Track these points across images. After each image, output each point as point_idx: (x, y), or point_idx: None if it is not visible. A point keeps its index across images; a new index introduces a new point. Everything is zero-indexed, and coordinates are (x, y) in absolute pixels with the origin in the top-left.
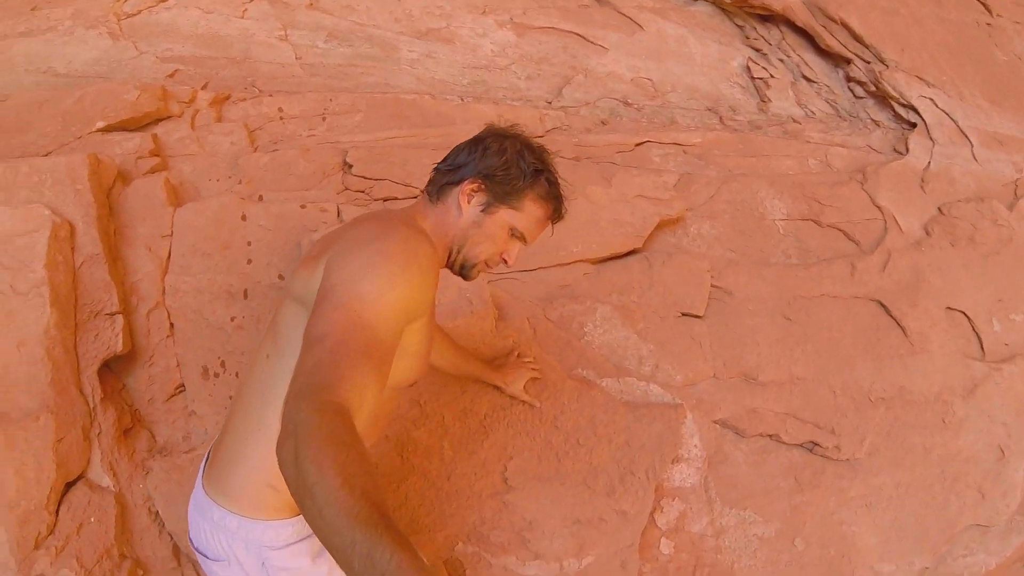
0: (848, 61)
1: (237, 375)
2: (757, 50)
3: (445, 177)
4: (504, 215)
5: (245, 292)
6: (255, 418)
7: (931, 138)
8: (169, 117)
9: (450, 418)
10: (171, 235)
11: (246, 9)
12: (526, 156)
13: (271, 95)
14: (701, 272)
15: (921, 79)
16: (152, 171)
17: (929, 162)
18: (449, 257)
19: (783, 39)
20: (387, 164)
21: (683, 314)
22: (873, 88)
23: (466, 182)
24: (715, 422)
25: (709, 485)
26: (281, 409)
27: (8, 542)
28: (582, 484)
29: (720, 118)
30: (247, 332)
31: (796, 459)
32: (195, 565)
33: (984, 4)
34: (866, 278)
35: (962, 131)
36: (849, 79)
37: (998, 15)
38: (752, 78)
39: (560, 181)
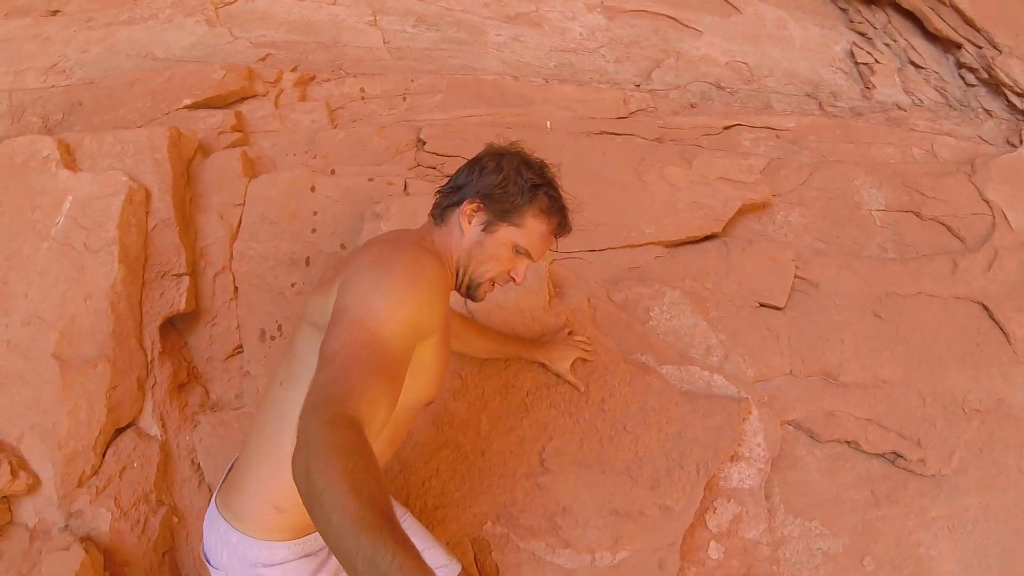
0: (959, 46)
1: None
2: (861, 34)
3: (446, 199)
4: (505, 233)
5: (307, 260)
6: (268, 443)
7: None
8: (254, 96)
9: (490, 392)
10: (243, 204)
11: None
12: (524, 172)
13: (355, 76)
14: (784, 261)
15: None
16: (232, 145)
17: None
18: (456, 278)
19: (889, 22)
20: (460, 141)
21: (761, 304)
22: (985, 75)
23: (466, 202)
24: (787, 422)
25: (773, 490)
26: (295, 432)
27: (53, 478)
28: (624, 473)
29: (819, 104)
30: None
31: (875, 470)
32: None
33: None
34: (969, 277)
35: None
36: (960, 65)
37: None
38: (856, 63)
39: (563, 194)
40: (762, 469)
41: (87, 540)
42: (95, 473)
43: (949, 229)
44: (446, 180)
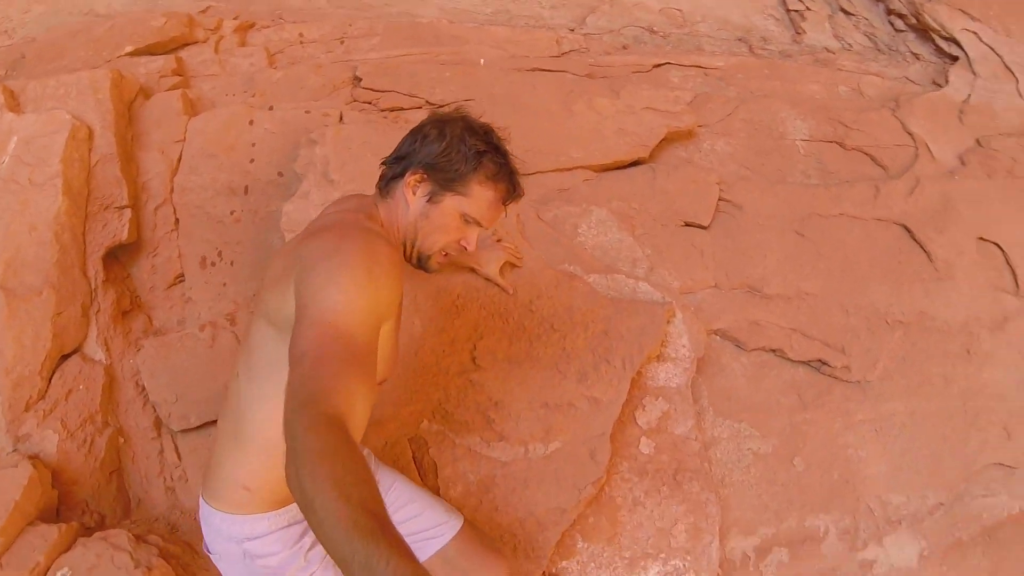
0: None
1: (232, 264)
2: None
3: (391, 171)
4: (451, 203)
5: (246, 188)
6: (231, 431)
7: (973, 72)
8: (195, 43)
9: (423, 296)
10: (183, 140)
11: None
12: (467, 139)
13: (293, 22)
14: (709, 184)
15: (965, 12)
16: (173, 88)
17: (969, 95)
18: (405, 251)
19: None
20: (395, 77)
21: (686, 224)
22: (914, 21)
23: (408, 173)
24: (713, 332)
25: (701, 394)
26: (254, 424)
27: (0, 403)
28: (553, 368)
29: (750, 47)
30: (244, 224)
31: (800, 376)
32: (173, 438)
33: None
34: (890, 202)
35: (1007, 66)
36: (890, 12)
37: None
38: (788, 10)
39: (510, 159)
40: (688, 368)
41: (35, 458)
42: (41, 397)
43: (872, 158)
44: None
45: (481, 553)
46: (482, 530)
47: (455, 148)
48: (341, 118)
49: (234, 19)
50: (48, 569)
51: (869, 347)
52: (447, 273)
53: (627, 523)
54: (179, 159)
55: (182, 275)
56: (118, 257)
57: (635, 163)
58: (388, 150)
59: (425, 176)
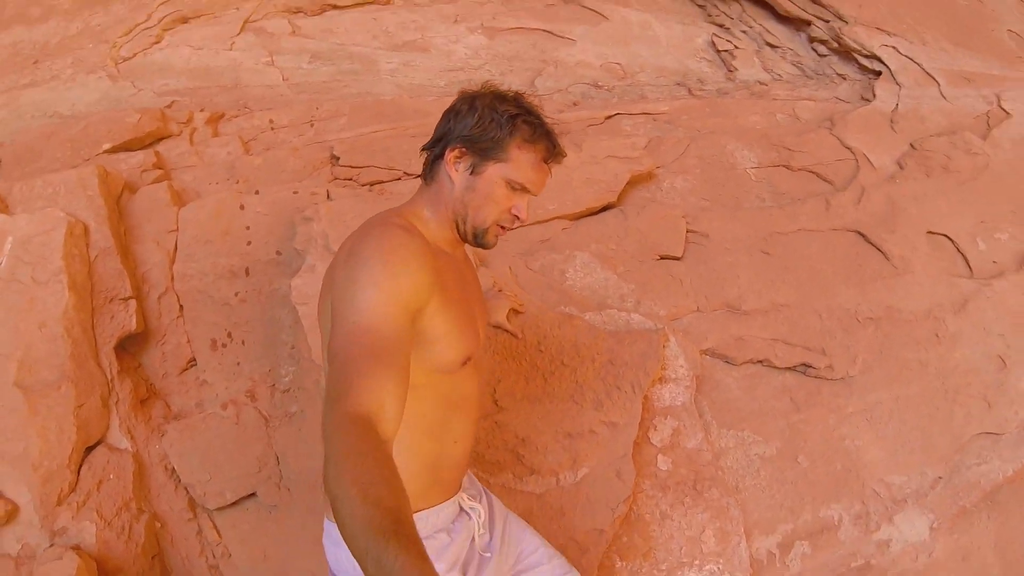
0: (808, 23)
1: (243, 343)
2: (720, 25)
3: (431, 154)
4: (494, 170)
5: (247, 270)
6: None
7: (897, 83)
8: (169, 136)
9: None
10: (176, 230)
11: (233, 42)
12: (498, 106)
13: (261, 110)
14: (675, 219)
15: (881, 30)
16: (156, 181)
17: (897, 104)
18: (459, 230)
19: (744, 11)
20: (371, 153)
21: (661, 257)
22: (835, 45)
23: (447, 151)
24: (703, 352)
25: (703, 410)
26: None
27: (32, 500)
28: (569, 400)
29: (689, 90)
30: (250, 304)
31: (789, 381)
32: (210, 516)
33: None
34: (841, 212)
35: (928, 73)
36: (812, 40)
37: None
38: (718, 51)
39: (545, 120)
40: (689, 386)
41: (76, 549)
42: (73, 490)
43: (818, 175)
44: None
45: None
46: None
47: (488, 117)
48: (328, 195)
49: (201, 111)
50: None
51: (846, 345)
52: None
53: (659, 537)
54: (175, 248)
55: (193, 360)
56: (127, 348)
57: (606, 208)
58: None
59: (464, 149)
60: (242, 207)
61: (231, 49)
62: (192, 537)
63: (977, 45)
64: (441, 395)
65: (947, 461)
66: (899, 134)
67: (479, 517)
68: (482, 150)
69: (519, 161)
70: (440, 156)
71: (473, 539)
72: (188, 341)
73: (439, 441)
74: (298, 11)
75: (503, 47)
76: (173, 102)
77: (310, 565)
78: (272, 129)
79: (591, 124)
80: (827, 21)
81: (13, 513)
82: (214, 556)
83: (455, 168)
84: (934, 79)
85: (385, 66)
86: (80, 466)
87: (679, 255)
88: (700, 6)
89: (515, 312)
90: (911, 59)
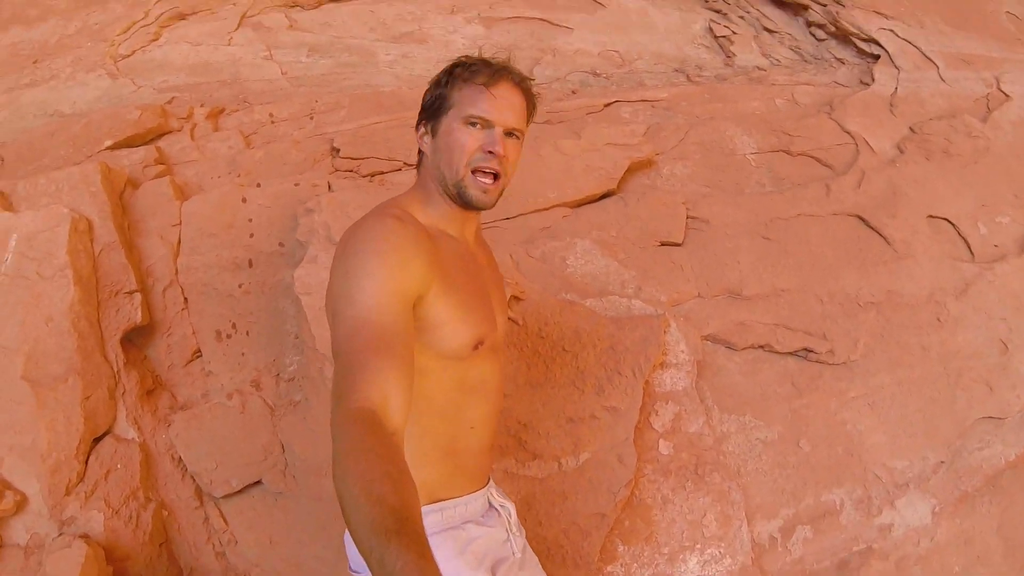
0: (806, 7)
1: (248, 334)
2: (717, 11)
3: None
4: (446, 121)
5: (250, 261)
6: None
7: (896, 66)
8: (170, 132)
9: None
10: (180, 224)
11: (231, 37)
12: (442, 73)
13: (260, 104)
14: (676, 205)
15: (879, 13)
16: (158, 176)
17: (896, 88)
18: (449, 196)
19: None
20: (371, 144)
21: (662, 243)
22: (833, 29)
23: (416, 132)
24: (705, 338)
25: (705, 395)
26: None
27: (41, 491)
28: (571, 386)
29: (687, 76)
30: (254, 296)
31: (791, 366)
32: (217, 504)
33: None
34: (842, 196)
35: (926, 56)
36: (809, 24)
37: None
38: (716, 37)
39: (485, 56)
40: (690, 371)
41: (85, 537)
42: (81, 480)
43: (818, 160)
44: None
45: None
46: None
47: (432, 84)
48: (330, 187)
49: (201, 106)
50: None
51: (848, 330)
52: None
53: (660, 521)
54: (179, 242)
55: (199, 351)
56: (133, 340)
57: (606, 195)
58: None
59: (423, 121)
60: (244, 200)
61: (229, 44)
62: (199, 525)
63: (975, 27)
64: (453, 380)
65: (949, 445)
66: (899, 118)
67: (510, 516)
68: (433, 112)
69: (462, 98)
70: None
71: (507, 538)
72: (193, 333)
73: (453, 424)
74: (295, 5)
75: (501, 37)
76: (173, 98)
77: (316, 551)
78: (272, 123)
79: (590, 112)
80: (824, 5)
81: (22, 503)
82: (221, 543)
83: (423, 141)
84: (933, 62)
85: (383, 58)
86: (88, 456)
87: (679, 241)
88: None
89: (516, 299)
90: (909, 42)
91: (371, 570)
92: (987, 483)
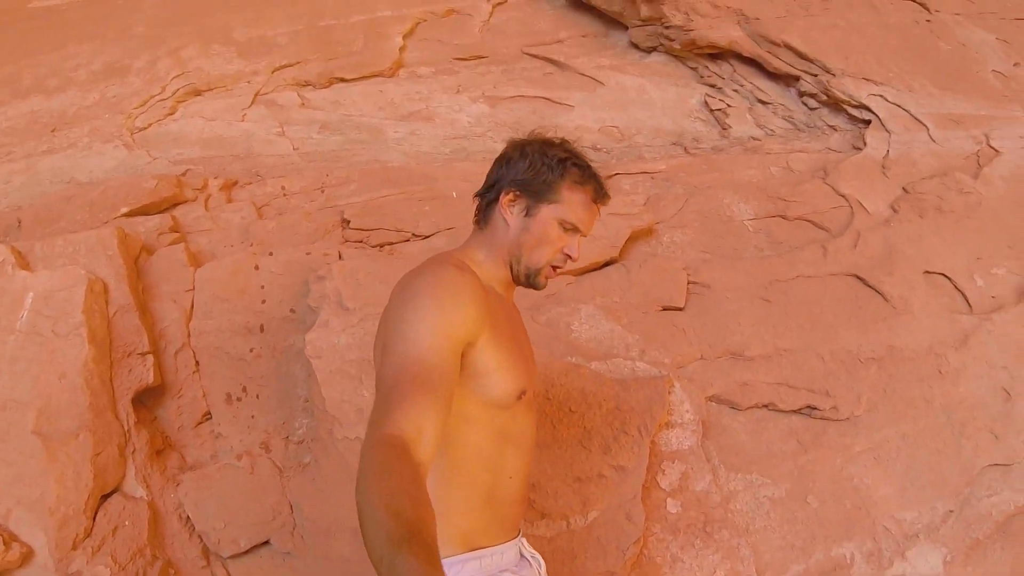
0: (797, 78)
1: (258, 397)
2: (712, 86)
3: (484, 200)
4: (547, 212)
5: (261, 327)
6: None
7: (887, 129)
8: (185, 202)
9: None
10: (193, 289)
11: (245, 114)
12: (548, 151)
13: (273, 178)
14: (677, 271)
15: (869, 80)
16: (173, 243)
17: (888, 150)
18: (513, 272)
19: (734, 71)
20: (380, 216)
21: (664, 308)
22: (824, 97)
23: (502, 195)
24: (709, 398)
25: (711, 455)
26: None
27: (47, 544)
28: (578, 445)
29: (685, 149)
30: (264, 360)
31: (795, 424)
32: (224, 564)
33: (922, 3)
34: (839, 257)
35: (916, 118)
36: (801, 94)
37: (936, 11)
38: (711, 111)
39: (592, 164)
40: (695, 430)
41: None
42: (88, 535)
43: (814, 223)
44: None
45: None
46: None
47: (539, 161)
48: (340, 256)
49: (215, 178)
50: None
51: (850, 386)
52: None
53: None
54: (192, 306)
55: (208, 413)
56: (144, 401)
57: (608, 263)
58: (391, 278)
59: (518, 193)
60: (257, 267)
61: (243, 120)
62: None
63: (963, 87)
64: (497, 428)
65: (958, 494)
66: (891, 179)
67: (540, 567)
68: (535, 192)
69: (571, 202)
70: (494, 200)
71: None
72: (204, 395)
73: (495, 474)
74: (307, 84)
75: (504, 115)
76: (187, 170)
77: None
78: (284, 195)
79: None
80: (815, 75)
81: (28, 556)
82: None
83: (510, 211)
84: (923, 124)
85: (392, 135)
86: (96, 512)
87: (681, 306)
88: (692, 68)
89: None
90: (899, 106)
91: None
92: (998, 529)
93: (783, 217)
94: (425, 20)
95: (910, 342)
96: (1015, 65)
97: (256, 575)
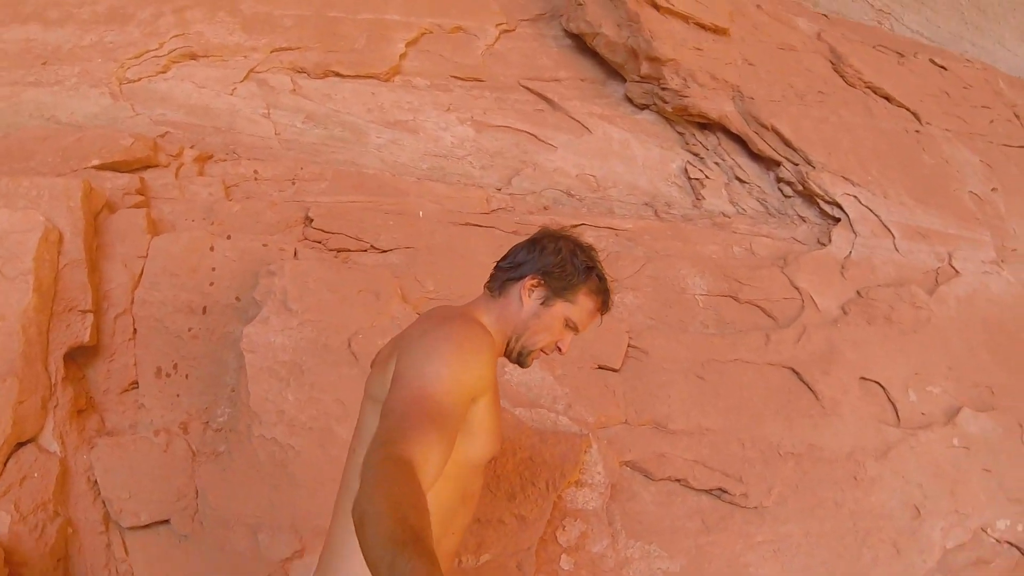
0: (778, 164)
1: (187, 377)
2: (695, 154)
3: (506, 274)
4: (560, 308)
5: (204, 308)
6: (345, 505)
7: (854, 231)
8: (157, 166)
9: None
10: (146, 257)
11: (235, 88)
12: (579, 255)
13: (248, 159)
14: (619, 332)
15: (846, 179)
16: (135, 207)
17: (850, 252)
18: (508, 345)
19: (719, 144)
20: (345, 221)
21: (600, 367)
22: (800, 188)
23: (527, 278)
24: (624, 463)
25: (615, 519)
26: None
27: None
28: (485, 488)
29: (655, 211)
30: (200, 341)
31: (704, 503)
32: (121, 533)
33: (914, 114)
34: (780, 348)
35: (885, 225)
36: (779, 180)
37: (927, 123)
38: (689, 178)
39: (608, 277)
40: (603, 493)
41: None
42: None
43: (763, 311)
44: (504, 257)
45: None
46: None
47: (569, 262)
48: (296, 254)
49: (191, 148)
50: None
51: (764, 476)
52: None
53: None
54: (141, 273)
55: (136, 382)
56: (75, 359)
57: None
58: (341, 288)
59: (542, 282)
60: (212, 248)
61: (232, 94)
62: (100, 549)
63: (937, 202)
64: (460, 487)
65: None
66: (848, 280)
67: None
68: (557, 288)
69: (583, 306)
70: (517, 280)
71: None
72: (135, 364)
73: (443, 528)
74: (302, 71)
75: (488, 142)
76: (166, 132)
77: None
78: (256, 179)
79: None
80: (796, 164)
81: None
82: (117, 572)
83: (529, 294)
84: (890, 231)
85: (374, 140)
86: (7, 459)
87: (617, 367)
88: (679, 133)
89: None
90: (870, 210)
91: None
92: None
93: (734, 298)
94: (431, 32)
95: (832, 444)
96: (993, 190)
97: (150, 550)
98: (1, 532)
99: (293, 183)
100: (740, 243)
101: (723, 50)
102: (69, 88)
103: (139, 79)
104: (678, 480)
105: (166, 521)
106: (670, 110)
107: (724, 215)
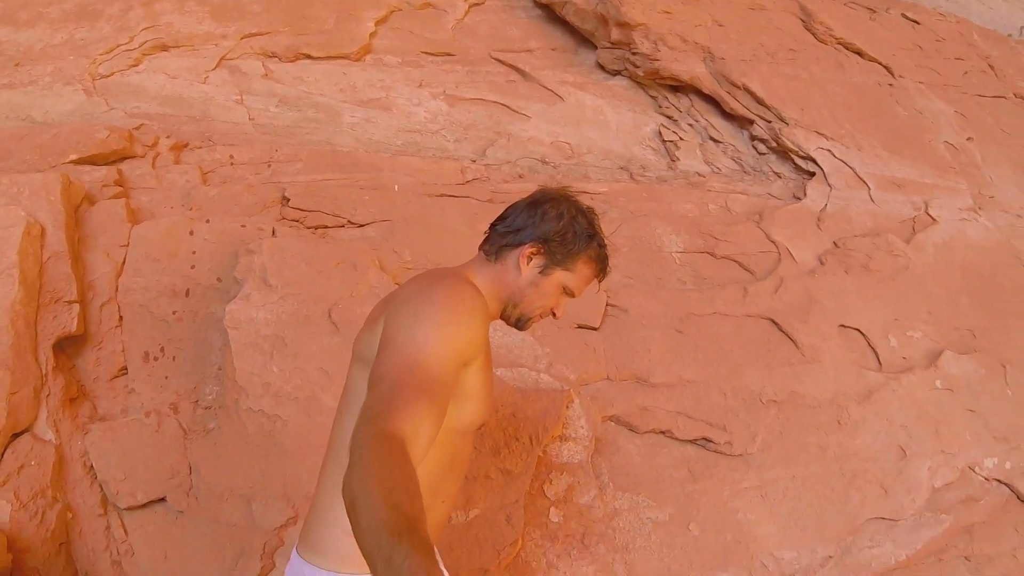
0: (751, 122)
1: (174, 359)
2: (668, 117)
3: (504, 239)
4: (559, 276)
5: (187, 291)
6: (335, 469)
7: (829, 184)
8: (133, 157)
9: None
10: (127, 245)
11: (207, 76)
12: (580, 221)
13: (223, 145)
14: (598, 292)
15: (820, 133)
16: (114, 197)
17: (826, 204)
18: (504, 311)
19: (692, 106)
20: (321, 199)
21: (579, 326)
22: (774, 144)
23: (526, 245)
24: (608, 418)
25: (601, 472)
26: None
27: None
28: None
29: (631, 175)
30: (185, 324)
31: (689, 453)
32: (120, 515)
33: (887, 67)
34: (758, 300)
35: (860, 177)
36: (753, 138)
37: (900, 76)
38: (663, 141)
39: (607, 243)
40: (587, 446)
41: None
42: None
43: (740, 265)
44: (500, 218)
45: None
46: None
47: (570, 228)
48: (274, 232)
49: (167, 137)
50: None
51: (748, 424)
52: None
53: None
54: (123, 262)
55: (125, 368)
56: (64, 348)
57: None
58: (319, 262)
59: (542, 249)
60: (192, 233)
61: (204, 83)
62: (100, 532)
63: (912, 153)
64: (448, 454)
65: (839, 541)
66: (824, 232)
67: None
68: (556, 257)
69: (581, 274)
70: (514, 245)
71: None
72: (123, 350)
73: (432, 496)
74: (273, 55)
75: (461, 115)
76: (141, 124)
77: (207, 571)
78: (231, 164)
79: None
80: (769, 121)
81: None
82: (118, 552)
83: (527, 261)
84: (865, 183)
85: (347, 119)
86: (5, 449)
87: (596, 326)
88: (652, 97)
89: None
90: (845, 163)
91: (375, 567)
92: None
93: (711, 254)
94: (400, 9)
95: (813, 390)
96: (968, 139)
97: (148, 528)
98: (3, 520)
99: (269, 165)
100: (715, 201)
101: (692, 12)
102: (43, 87)
103: (112, 74)
104: (662, 432)
105: (162, 499)
106: (642, 75)
107: (699, 175)
